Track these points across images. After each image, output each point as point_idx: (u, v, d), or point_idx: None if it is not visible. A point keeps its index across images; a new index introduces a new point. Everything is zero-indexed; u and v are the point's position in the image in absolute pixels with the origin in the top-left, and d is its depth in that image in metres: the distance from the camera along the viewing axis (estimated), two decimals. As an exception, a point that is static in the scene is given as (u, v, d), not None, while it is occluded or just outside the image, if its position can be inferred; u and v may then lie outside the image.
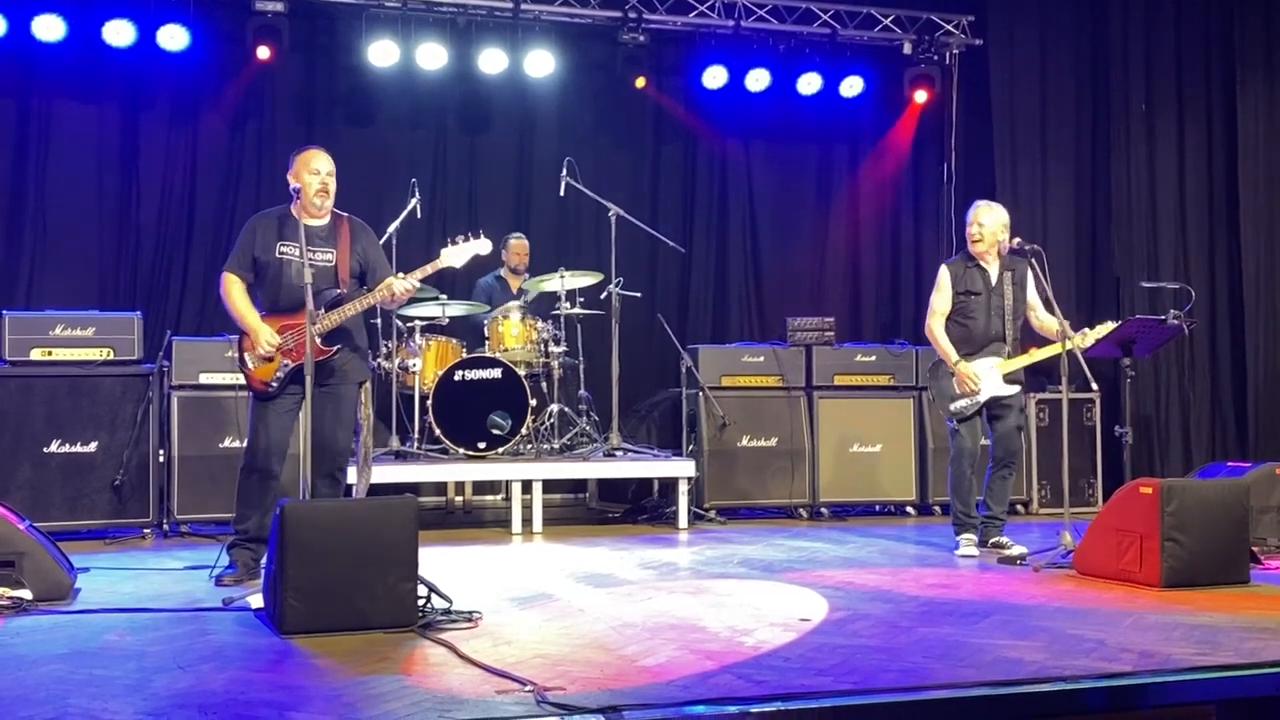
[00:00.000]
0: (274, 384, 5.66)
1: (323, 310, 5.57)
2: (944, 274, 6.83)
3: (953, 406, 6.71)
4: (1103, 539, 5.89)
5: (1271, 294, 10.05)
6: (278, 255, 5.70)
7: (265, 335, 5.61)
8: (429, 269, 5.76)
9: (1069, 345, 6.42)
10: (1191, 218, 10.18)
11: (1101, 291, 10.09)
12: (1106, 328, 6.68)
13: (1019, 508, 8.87)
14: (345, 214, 5.88)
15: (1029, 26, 10.20)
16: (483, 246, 5.85)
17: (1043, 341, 6.77)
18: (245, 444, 5.86)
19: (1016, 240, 6.72)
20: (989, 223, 6.75)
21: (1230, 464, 7.46)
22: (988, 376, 6.65)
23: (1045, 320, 6.79)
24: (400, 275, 5.67)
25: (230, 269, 5.77)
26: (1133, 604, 5.22)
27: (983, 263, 6.78)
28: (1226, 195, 10.19)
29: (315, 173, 5.71)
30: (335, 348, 5.64)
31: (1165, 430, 10.00)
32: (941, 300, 6.80)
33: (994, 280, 6.76)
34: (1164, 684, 3.89)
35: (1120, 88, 10.14)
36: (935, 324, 6.80)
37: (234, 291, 5.73)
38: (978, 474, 6.85)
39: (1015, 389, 6.72)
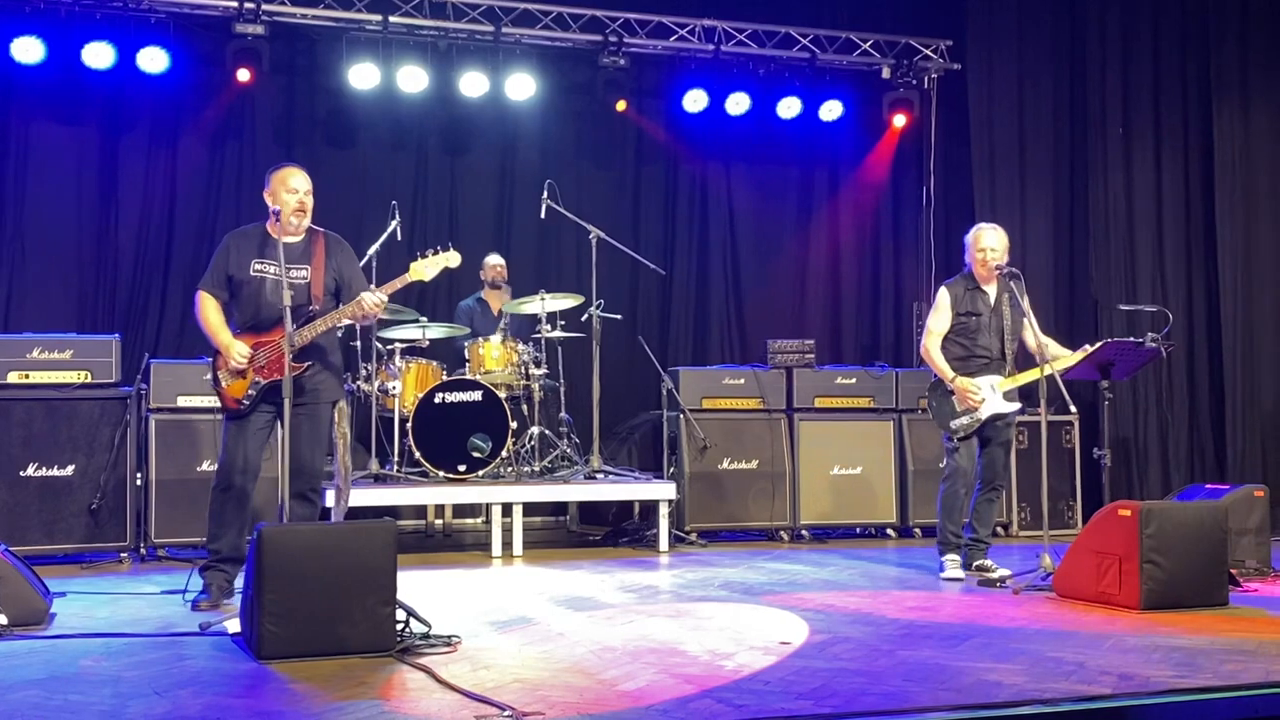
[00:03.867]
0: (246, 401, 5.63)
1: (295, 327, 5.54)
2: (944, 295, 6.84)
3: (954, 424, 6.70)
4: (1082, 561, 5.91)
5: (1248, 317, 10.11)
6: (252, 273, 5.68)
7: (236, 349, 5.59)
8: (398, 283, 5.72)
9: (1047, 370, 6.45)
10: (1169, 241, 10.25)
11: (1080, 314, 10.14)
12: (1085, 352, 6.72)
13: (999, 530, 8.88)
14: (321, 230, 5.85)
15: (1007, 51, 10.27)
16: (452, 259, 5.81)
17: (1032, 363, 6.80)
18: (217, 463, 5.84)
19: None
20: (1002, 245, 6.80)
21: (1209, 486, 7.50)
22: (988, 393, 6.67)
23: (1040, 339, 6.84)
24: (371, 289, 5.66)
25: (204, 287, 5.75)
26: (1112, 626, 5.23)
27: (985, 285, 6.81)
28: (1204, 219, 10.26)
29: (294, 191, 5.68)
30: (306, 364, 5.59)
31: (1144, 452, 10.05)
32: (940, 321, 6.80)
33: (993, 301, 6.80)
34: (1144, 706, 3.90)
35: (1098, 112, 10.22)
36: (931, 344, 6.79)
37: (207, 309, 5.72)
38: (969, 495, 6.85)
39: (1015, 406, 6.74)
